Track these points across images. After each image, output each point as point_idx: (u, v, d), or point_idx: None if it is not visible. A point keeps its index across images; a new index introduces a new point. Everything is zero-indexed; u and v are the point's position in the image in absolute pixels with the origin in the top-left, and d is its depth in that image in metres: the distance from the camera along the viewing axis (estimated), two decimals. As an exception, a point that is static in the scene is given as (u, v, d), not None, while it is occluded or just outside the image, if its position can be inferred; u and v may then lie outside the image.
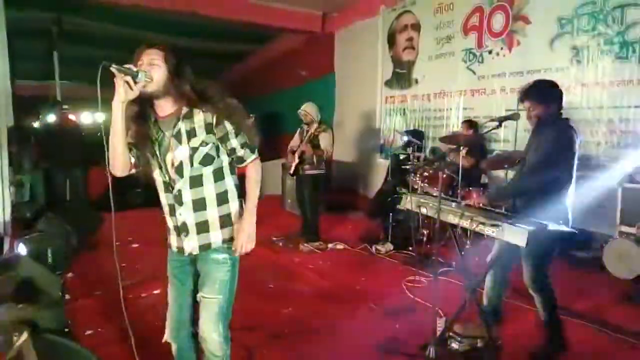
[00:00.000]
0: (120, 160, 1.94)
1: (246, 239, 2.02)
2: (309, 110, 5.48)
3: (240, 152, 2.03)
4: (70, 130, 6.83)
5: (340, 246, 5.52)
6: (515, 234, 2.26)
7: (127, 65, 1.82)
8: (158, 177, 2.06)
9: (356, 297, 3.96)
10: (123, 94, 1.82)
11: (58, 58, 9.04)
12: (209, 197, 2.01)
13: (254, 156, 2.07)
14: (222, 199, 2.04)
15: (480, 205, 2.82)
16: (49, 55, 9.19)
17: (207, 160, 1.99)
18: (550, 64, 5.34)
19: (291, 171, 5.56)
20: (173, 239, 2.13)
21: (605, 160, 4.87)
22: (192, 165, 1.97)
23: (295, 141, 5.59)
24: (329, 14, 9.20)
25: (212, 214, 2.03)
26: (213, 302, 2.04)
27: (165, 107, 1.97)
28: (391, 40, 7.89)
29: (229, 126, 1.99)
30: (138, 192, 7.58)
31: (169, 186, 2.03)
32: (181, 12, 7.70)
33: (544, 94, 2.82)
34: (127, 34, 8.64)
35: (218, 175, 2.03)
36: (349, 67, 9.11)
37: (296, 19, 8.93)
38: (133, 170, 2.04)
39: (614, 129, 4.84)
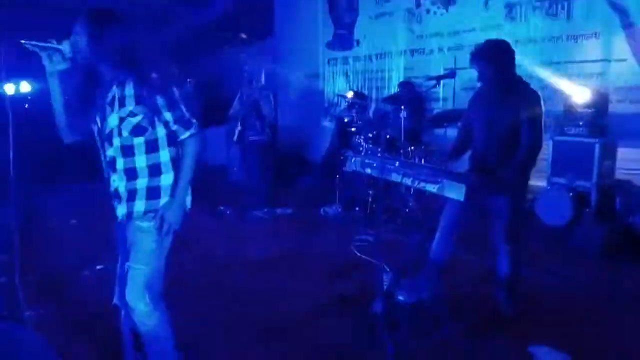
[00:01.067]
0: (63, 128, 2.01)
1: (168, 216, 1.99)
2: (255, 70, 5.34)
3: (174, 127, 1.96)
4: None
5: (288, 211, 5.54)
6: (455, 189, 2.35)
7: (42, 43, 1.86)
8: (98, 143, 2.04)
9: (306, 260, 4.01)
10: (48, 66, 1.89)
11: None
12: (139, 167, 1.98)
13: (187, 133, 1.98)
14: (153, 170, 2.00)
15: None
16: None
17: (137, 131, 1.94)
18: (485, 22, 5.46)
19: (235, 138, 5.46)
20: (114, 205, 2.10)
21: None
22: (120, 134, 1.93)
23: (235, 107, 5.47)
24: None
25: (142, 184, 1.99)
26: (138, 271, 2.02)
27: (105, 73, 1.95)
28: (332, 1, 7.76)
29: (159, 99, 1.91)
30: (74, 166, 7.20)
31: (103, 153, 2.02)
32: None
33: (495, 55, 2.79)
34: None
35: (151, 147, 1.97)
36: (289, 29, 8.91)
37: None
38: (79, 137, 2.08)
39: (545, 85, 5.05)
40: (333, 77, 8.00)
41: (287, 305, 3.18)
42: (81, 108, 1.98)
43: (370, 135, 5.28)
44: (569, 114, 4.65)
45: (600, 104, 4.45)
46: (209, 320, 2.97)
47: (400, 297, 3.01)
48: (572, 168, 4.46)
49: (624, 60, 4.51)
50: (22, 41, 1.82)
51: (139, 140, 1.94)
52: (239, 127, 5.33)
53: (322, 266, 3.82)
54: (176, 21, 11.87)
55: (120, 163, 1.97)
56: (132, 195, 2.00)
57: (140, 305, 2.03)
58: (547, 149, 4.64)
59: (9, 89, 6.60)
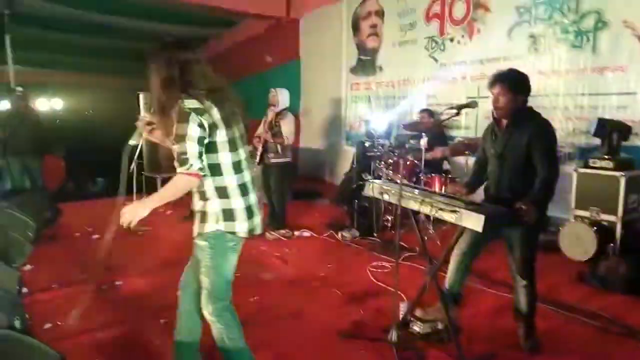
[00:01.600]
0: None
1: (126, 212, 2.12)
2: (279, 91, 5.41)
3: (175, 161, 2.08)
4: (27, 116, 6.55)
5: (306, 233, 5.54)
6: (473, 220, 2.32)
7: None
8: None
9: (321, 284, 3.99)
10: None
11: (11, 42, 8.65)
12: (198, 191, 2.19)
13: (180, 170, 2.05)
14: (203, 196, 2.19)
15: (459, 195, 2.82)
16: (1, 38, 8.78)
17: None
18: (508, 52, 5.47)
19: (257, 160, 5.51)
20: None
21: (560, 146, 5.05)
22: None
23: (260, 129, 5.55)
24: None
25: (198, 206, 2.21)
26: (204, 284, 2.26)
27: None
28: (355, 27, 7.89)
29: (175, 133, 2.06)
30: (97, 181, 7.38)
31: None
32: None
33: (515, 82, 2.81)
34: (84, 17, 8.35)
35: (205, 175, 2.12)
36: (314, 54, 9.07)
37: (260, 4, 8.81)
38: None
39: (569, 116, 5.01)
40: (355, 102, 8.07)
41: (302, 329, 3.16)
42: None
43: (391, 161, 5.28)
44: (593, 147, 4.59)
45: (625, 137, 4.39)
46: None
47: (416, 327, 2.96)
48: (597, 201, 4.37)
49: (651, 93, 4.45)
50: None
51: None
52: (260, 149, 5.39)
53: (338, 291, 3.79)
54: (206, 44, 12.20)
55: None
56: (197, 215, 2.24)
57: (206, 313, 2.28)
58: (571, 182, 4.57)
59: (43, 104, 6.84)
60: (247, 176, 2.25)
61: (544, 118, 2.87)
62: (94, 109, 11.91)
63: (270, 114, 5.37)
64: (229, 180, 2.17)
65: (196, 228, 2.22)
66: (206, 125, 2.05)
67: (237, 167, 2.19)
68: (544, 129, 2.78)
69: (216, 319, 2.28)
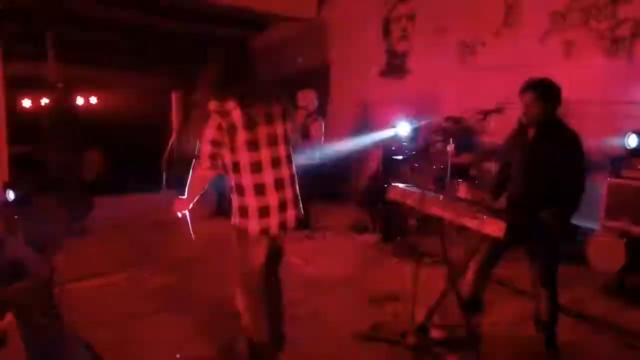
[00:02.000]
0: None
1: (176, 205, 2.53)
2: (308, 94, 5.47)
3: None
4: (66, 110, 6.78)
5: (328, 234, 5.57)
6: (494, 227, 2.31)
7: None
8: None
9: (341, 285, 4.01)
10: None
11: (51, 39, 8.95)
12: (228, 185, 2.46)
13: (194, 163, 2.40)
14: (231, 190, 2.43)
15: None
16: (42, 35, 9.10)
17: None
18: (541, 58, 5.37)
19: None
20: None
21: (591, 154, 4.93)
22: None
23: None
24: (324, 1, 9.16)
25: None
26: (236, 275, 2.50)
27: None
28: (386, 30, 7.87)
29: None
30: (130, 177, 7.56)
31: None
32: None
33: (547, 91, 2.78)
34: (122, 17, 8.59)
35: (227, 172, 2.40)
36: (344, 56, 9.08)
37: (291, 6, 8.88)
38: None
39: (603, 126, 4.89)
40: (383, 104, 8.05)
41: (320, 329, 3.19)
42: None
43: (416, 165, 5.26)
44: (626, 157, 4.47)
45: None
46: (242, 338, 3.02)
47: (434, 333, 2.95)
48: (628, 212, 4.25)
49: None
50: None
51: None
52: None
53: (359, 293, 3.81)
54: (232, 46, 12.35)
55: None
56: None
57: (237, 302, 2.50)
58: (601, 192, 4.46)
59: (79, 100, 7.08)
60: (268, 176, 2.33)
61: (573, 130, 2.82)
62: (129, 107, 12.24)
63: (300, 117, 5.42)
64: (246, 179, 2.32)
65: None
66: (225, 127, 2.22)
67: (255, 167, 2.30)
68: (574, 143, 2.73)
69: (245, 309, 2.46)
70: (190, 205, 2.50)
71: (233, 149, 2.27)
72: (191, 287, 3.87)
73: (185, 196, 2.48)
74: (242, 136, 2.25)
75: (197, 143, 2.29)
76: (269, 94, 2.43)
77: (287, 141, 2.48)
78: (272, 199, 2.35)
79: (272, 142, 2.36)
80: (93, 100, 10.80)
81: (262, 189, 2.32)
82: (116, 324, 3.16)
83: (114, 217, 6.17)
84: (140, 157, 7.57)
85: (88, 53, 11.59)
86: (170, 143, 6.00)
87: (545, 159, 2.72)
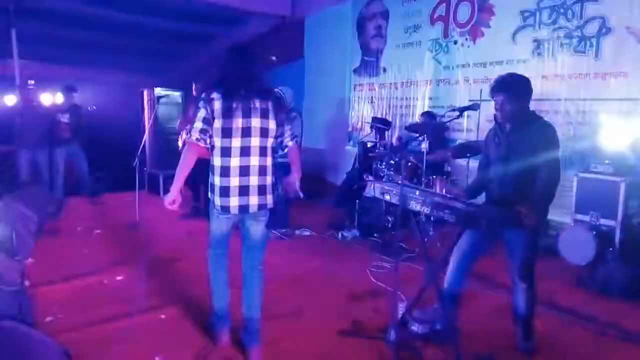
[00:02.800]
0: None
1: (167, 198, 2.75)
2: (284, 91, 5.43)
3: None
4: (36, 109, 6.59)
5: (307, 233, 5.57)
6: (473, 221, 2.35)
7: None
8: None
9: (321, 283, 4.02)
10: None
11: (16, 36, 8.68)
12: None
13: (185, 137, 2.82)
14: None
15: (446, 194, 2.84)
16: (6, 32, 8.81)
17: None
18: (512, 56, 5.49)
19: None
20: None
21: (562, 150, 5.06)
22: None
23: None
24: (298, -1, 9.15)
25: None
26: None
27: None
28: (360, 28, 7.91)
29: None
30: (99, 177, 7.40)
31: None
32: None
33: (518, 88, 2.81)
34: (89, 12, 8.37)
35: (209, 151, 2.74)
36: (318, 53, 9.08)
37: (265, 3, 8.83)
38: None
39: (571, 121, 5.03)
40: (358, 102, 8.09)
41: (301, 327, 3.19)
42: None
43: (392, 162, 5.31)
44: (594, 152, 4.61)
45: (628, 143, 4.40)
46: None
47: (414, 327, 2.99)
48: (597, 206, 4.39)
49: (653, 100, 4.47)
50: None
51: None
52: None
53: (338, 290, 3.82)
54: (210, 43, 12.23)
55: None
56: None
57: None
58: (571, 186, 4.59)
59: (46, 99, 6.89)
60: (234, 162, 2.64)
61: (547, 122, 2.88)
62: (97, 105, 11.96)
63: None
64: (216, 161, 2.66)
65: None
66: (208, 112, 2.60)
67: (224, 152, 2.63)
68: (547, 133, 2.79)
69: (209, 260, 2.97)
70: (179, 190, 2.72)
71: (212, 134, 2.62)
72: (168, 287, 3.81)
73: (174, 185, 2.72)
74: (217, 123, 2.59)
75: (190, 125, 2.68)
76: (258, 92, 2.68)
77: (264, 134, 2.68)
78: (234, 182, 2.65)
79: (246, 133, 2.63)
80: (59, 98, 10.52)
81: (226, 172, 2.64)
82: (93, 327, 3.09)
83: (86, 217, 6.04)
84: (112, 156, 7.42)
85: (55, 50, 11.28)
86: (143, 141, 5.89)
87: (523, 150, 2.76)
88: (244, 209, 2.69)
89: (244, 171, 2.66)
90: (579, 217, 4.52)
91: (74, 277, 3.97)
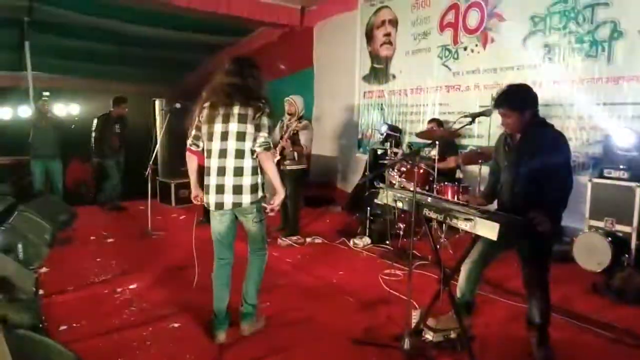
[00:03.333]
0: None
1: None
2: (295, 100, 5.47)
3: None
4: (51, 120, 6.70)
5: (318, 240, 5.56)
6: (487, 228, 2.33)
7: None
8: None
9: (333, 291, 4.00)
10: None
11: (30, 48, 8.81)
12: None
13: None
14: None
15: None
16: (21, 45, 8.95)
17: None
18: (522, 62, 5.46)
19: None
20: None
21: (575, 155, 5.02)
22: None
23: (276, 135, 5.58)
24: (307, 7, 9.19)
25: None
26: None
27: None
28: (369, 36, 7.93)
29: None
30: (114, 186, 7.45)
31: None
32: (155, 3, 7.60)
33: (516, 101, 2.82)
34: (101, 24, 8.48)
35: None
36: (327, 62, 9.12)
37: (274, 12, 8.88)
38: None
39: (584, 126, 4.98)
40: (368, 109, 8.09)
41: (314, 335, 3.17)
42: None
43: (403, 168, 5.29)
44: (609, 157, 4.56)
45: (640, 147, 4.35)
46: (236, 347, 2.99)
47: (428, 336, 2.96)
48: (612, 212, 4.34)
49: (667, 103, 4.42)
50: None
51: None
52: (277, 157, 5.41)
53: (350, 298, 3.80)
54: (220, 53, 12.32)
55: None
56: None
57: None
58: (585, 192, 4.54)
59: (60, 110, 7.00)
60: (213, 163, 2.95)
61: (557, 130, 2.88)
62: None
63: (292, 123, 5.39)
64: (206, 162, 3.01)
65: None
66: (199, 119, 3.01)
67: (208, 154, 2.99)
68: (558, 141, 2.78)
69: (214, 267, 3.19)
70: (195, 185, 3.16)
71: (203, 138, 3.01)
72: (181, 295, 3.82)
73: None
74: (204, 129, 2.98)
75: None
76: (240, 100, 2.90)
77: (240, 138, 2.90)
78: (212, 181, 2.95)
79: (224, 137, 2.91)
80: (73, 109, 10.67)
81: (208, 172, 2.98)
82: (107, 336, 3.09)
83: (99, 226, 6.08)
84: (125, 165, 7.49)
85: (67, 62, 11.43)
86: (154, 150, 5.94)
87: (533, 159, 2.76)
88: (219, 206, 2.97)
89: (221, 171, 2.93)
90: (594, 223, 4.46)
91: (87, 285, 4.00)
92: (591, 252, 4.31)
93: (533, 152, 2.77)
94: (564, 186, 2.73)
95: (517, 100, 2.83)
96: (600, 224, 4.40)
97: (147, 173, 5.67)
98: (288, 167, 5.44)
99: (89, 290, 3.90)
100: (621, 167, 4.35)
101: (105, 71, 12.40)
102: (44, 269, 4.33)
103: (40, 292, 3.70)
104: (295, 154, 5.38)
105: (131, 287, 3.99)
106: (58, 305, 3.58)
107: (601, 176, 4.49)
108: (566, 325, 3.32)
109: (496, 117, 3.17)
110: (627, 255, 4.15)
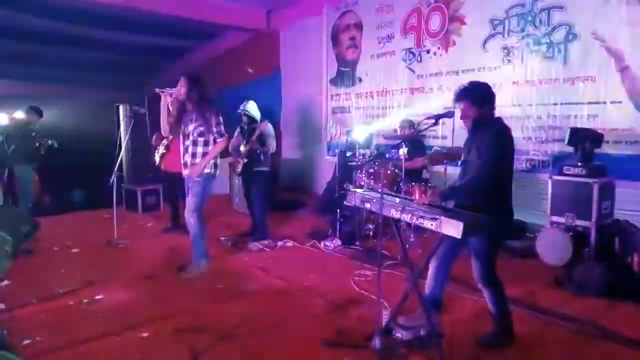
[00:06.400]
0: (165, 127, 4.37)
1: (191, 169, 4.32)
2: (250, 108, 5.47)
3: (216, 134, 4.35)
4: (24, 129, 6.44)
5: (289, 244, 5.55)
6: (452, 227, 2.39)
7: (167, 88, 4.23)
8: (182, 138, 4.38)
9: (305, 294, 4.01)
10: (163, 99, 4.24)
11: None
12: (198, 152, 4.30)
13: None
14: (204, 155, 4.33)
15: (428, 202, 2.90)
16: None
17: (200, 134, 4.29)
18: (483, 64, 5.62)
19: (239, 170, 5.53)
20: None
21: (535, 154, 5.20)
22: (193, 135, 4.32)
23: (236, 140, 5.56)
24: (272, 11, 9.20)
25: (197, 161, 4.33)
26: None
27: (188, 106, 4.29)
28: (335, 39, 8.00)
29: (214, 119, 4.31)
30: (77, 194, 7.26)
31: (183, 143, 4.35)
32: (117, 6, 7.45)
33: (478, 96, 2.94)
34: (62, 28, 8.27)
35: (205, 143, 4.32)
36: (294, 65, 9.14)
37: (239, 16, 8.86)
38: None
39: (542, 125, 5.16)
40: (336, 112, 8.15)
41: (286, 338, 3.17)
42: (177, 122, 4.32)
43: (371, 170, 5.35)
44: (567, 155, 4.72)
45: (597, 145, 4.53)
46: (208, 354, 2.96)
47: (398, 334, 3.00)
48: (572, 207, 4.49)
49: (619, 102, 4.62)
50: (156, 89, 4.26)
51: (201, 139, 4.24)
52: (245, 160, 5.39)
53: (321, 300, 3.82)
54: (185, 57, 12.18)
55: (191, 149, 4.25)
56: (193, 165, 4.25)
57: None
58: (546, 189, 4.69)
59: (19, 116, 6.75)
60: (183, 149, 4.30)
61: (503, 124, 2.99)
62: (69, 122, 11.77)
63: (257, 126, 5.38)
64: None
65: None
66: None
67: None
68: (496, 132, 2.88)
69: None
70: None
71: None
72: (149, 304, 3.75)
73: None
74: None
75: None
76: (195, 107, 4.18)
77: (190, 134, 4.22)
78: (183, 159, 4.28)
79: (185, 135, 4.28)
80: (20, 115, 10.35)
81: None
82: (73, 348, 3.01)
83: (63, 236, 5.91)
84: (88, 173, 7.30)
85: (26, 67, 11.09)
86: (119, 157, 5.82)
87: (476, 152, 2.89)
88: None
89: (184, 154, 4.28)
90: (555, 218, 4.62)
91: (52, 297, 3.88)
92: (553, 247, 4.46)
93: (478, 146, 2.89)
94: (479, 173, 2.83)
95: (477, 94, 2.94)
96: (561, 220, 4.55)
97: (112, 180, 5.55)
98: (256, 169, 5.43)
99: (53, 302, 3.79)
100: (579, 164, 4.51)
101: (64, 76, 12.09)
102: (5, 282, 4.18)
103: (2, 306, 3.58)
104: (262, 156, 5.38)
105: (97, 297, 3.90)
106: (21, 319, 3.46)
107: (560, 173, 4.65)
108: (530, 318, 3.42)
109: (459, 119, 3.26)
110: (587, 249, 4.31)
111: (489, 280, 2.96)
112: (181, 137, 4.31)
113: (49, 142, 6.33)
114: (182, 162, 4.30)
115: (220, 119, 4.25)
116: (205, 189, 4.30)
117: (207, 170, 4.23)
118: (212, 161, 4.27)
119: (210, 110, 4.20)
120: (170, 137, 5.21)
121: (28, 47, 9.71)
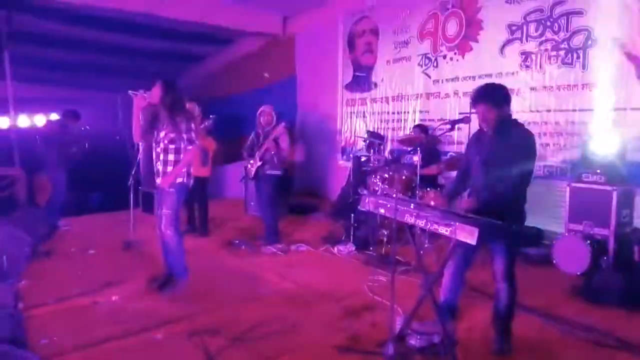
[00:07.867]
0: (138, 136, 4.19)
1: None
2: (268, 110, 5.51)
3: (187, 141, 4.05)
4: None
5: (302, 248, 5.55)
6: (467, 232, 2.36)
7: (141, 91, 4.09)
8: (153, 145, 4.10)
9: (318, 298, 4.00)
10: (136, 102, 4.07)
11: (9, 58, 8.69)
12: (169, 160, 4.03)
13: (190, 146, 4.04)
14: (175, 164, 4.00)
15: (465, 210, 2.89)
16: (-1, 55, 8.82)
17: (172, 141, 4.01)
18: (500, 69, 5.57)
19: (252, 174, 5.56)
20: None
21: (553, 160, 5.12)
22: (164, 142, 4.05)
23: (250, 144, 5.60)
24: (289, 17, 9.25)
25: (169, 170, 4.03)
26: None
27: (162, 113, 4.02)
28: (351, 44, 8.00)
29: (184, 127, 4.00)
30: (95, 195, 7.37)
31: (155, 150, 4.08)
32: (135, 13, 7.56)
33: (497, 97, 2.94)
34: (81, 34, 8.42)
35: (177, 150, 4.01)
36: (310, 70, 9.17)
37: (256, 22, 8.92)
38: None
39: (561, 131, 5.09)
40: (351, 117, 8.15)
41: (298, 343, 3.17)
42: (149, 127, 4.07)
43: (386, 175, 5.33)
44: (586, 161, 4.65)
45: (617, 152, 4.45)
46: (221, 357, 2.97)
47: (412, 341, 2.98)
48: (590, 215, 4.42)
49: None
50: (129, 91, 4.14)
51: (172, 146, 3.96)
52: (259, 163, 5.42)
53: (334, 305, 3.81)
54: (201, 62, 12.29)
55: (162, 156, 3.98)
56: (165, 174, 3.96)
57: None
58: (564, 196, 4.62)
59: (40, 120, 6.88)
60: (155, 156, 4.08)
61: (527, 129, 3.01)
62: (91, 126, 11.97)
63: (273, 129, 5.41)
64: None
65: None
66: None
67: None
68: (528, 142, 2.91)
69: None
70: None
71: None
72: (164, 306, 3.78)
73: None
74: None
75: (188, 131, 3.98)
76: (167, 112, 3.95)
77: (161, 141, 3.97)
78: (155, 167, 4.06)
79: (157, 142, 4.02)
80: (53, 118, 10.56)
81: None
82: (89, 349, 3.05)
83: (80, 238, 5.99)
84: (106, 175, 7.40)
85: (46, 72, 11.30)
86: (137, 160, 5.89)
87: (504, 154, 2.87)
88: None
89: (156, 161, 4.04)
90: (573, 226, 4.54)
91: (68, 298, 3.93)
92: (571, 255, 4.38)
93: (506, 147, 2.88)
94: (520, 187, 2.87)
95: (496, 96, 2.94)
96: (579, 227, 4.48)
97: (129, 182, 5.62)
98: (267, 172, 5.45)
99: (70, 303, 3.84)
100: (598, 171, 4.44)
101: (86, 81, 12.29)
102: (23, 282, 4.25)
103: (20, 305, 3.64)
104: (275, 159, 5.40)
105: (113, 298, 3.95)
106: (39, 319, 3.51)
107: (579, 180, 4.58)
108: (546, 328, 3.37)
109: (475, 124, 3.23)
110: (605, 258, 4.23)
111: (510, 275, 2.94)
112: (154, 144, 4.05)
113: (86, 145, 6.40)
114: (154, 170, 4.07)
115: (192, 125, 3.97)
116: (180, 200, 4.04)
117: (179, 180, 3.96)
118: (184, 170, 4.00)
119: (181, 116, 3.94)
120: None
121: (51, 53, 9.91)
